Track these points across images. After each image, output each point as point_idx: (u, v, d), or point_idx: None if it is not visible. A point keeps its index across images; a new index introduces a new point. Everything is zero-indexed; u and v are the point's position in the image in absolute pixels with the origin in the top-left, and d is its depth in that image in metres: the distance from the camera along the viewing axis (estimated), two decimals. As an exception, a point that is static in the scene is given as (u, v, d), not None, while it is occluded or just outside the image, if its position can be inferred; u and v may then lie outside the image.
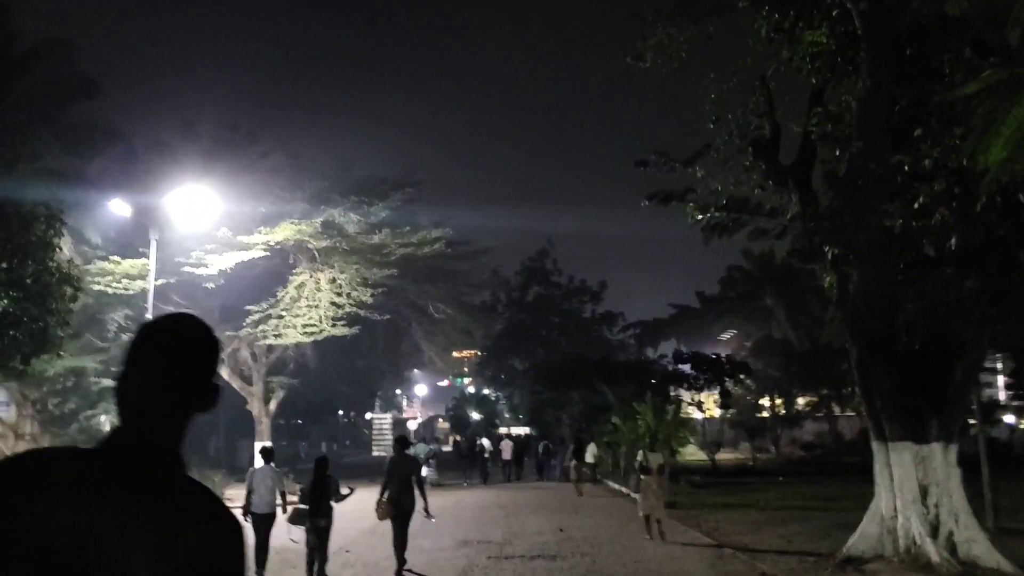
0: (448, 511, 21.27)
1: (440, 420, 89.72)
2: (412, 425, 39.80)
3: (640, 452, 17.15)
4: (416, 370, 64.44)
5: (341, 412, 64.91)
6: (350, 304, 26.79)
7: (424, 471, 33.01)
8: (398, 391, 74.93)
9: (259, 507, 11.67)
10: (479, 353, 61.77)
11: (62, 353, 19.51)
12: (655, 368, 35.75)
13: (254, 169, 28.36)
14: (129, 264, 26.54)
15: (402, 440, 14.00)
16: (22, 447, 36.58)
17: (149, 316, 25.73)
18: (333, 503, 11.34)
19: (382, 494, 12.16)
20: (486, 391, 78.33)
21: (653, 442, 18.54)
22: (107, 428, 26.03)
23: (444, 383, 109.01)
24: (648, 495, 15.85)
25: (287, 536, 11.79)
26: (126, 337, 27.60)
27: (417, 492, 12.43)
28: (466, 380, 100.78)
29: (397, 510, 12.17)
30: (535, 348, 56.75)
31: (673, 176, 17.46)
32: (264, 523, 11.69)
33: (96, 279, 26.87)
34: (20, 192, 16.94)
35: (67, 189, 24.45)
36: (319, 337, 27.28)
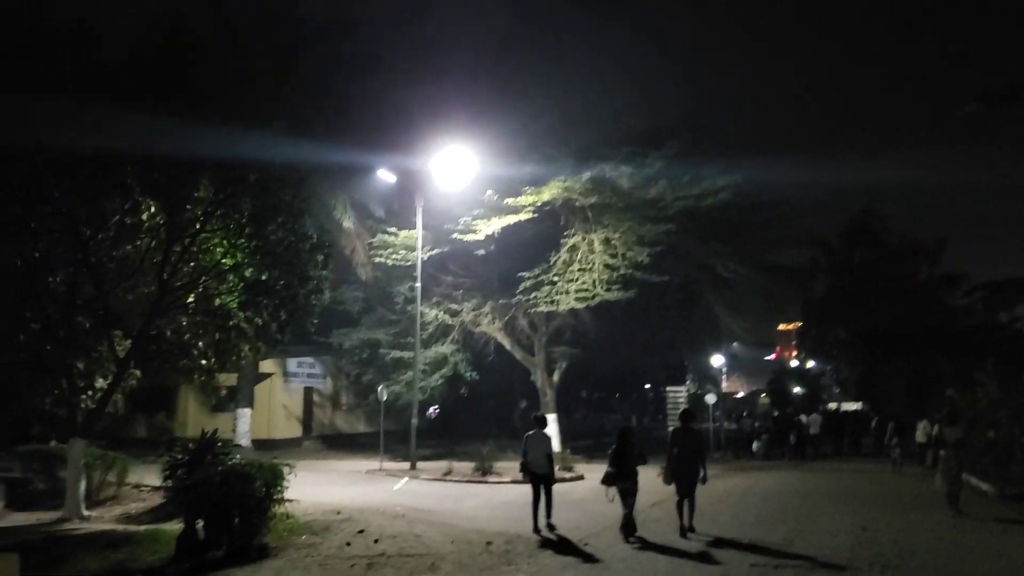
0: (733, 497, 18.42)
1: (763, 396, 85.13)
2: (710, 399, 36.54)
3: (935, 426, 17.26)
4: (736, 343, 60.75)
5: (648, 386, 62.94)
6: (625, 266, 24.57)
7: (754, 445, 30.87)
8: (715, 364, 71.65)
9: (535, 467, 13.36)
10: (800, 325, 56.88)
11: (308, 322, 18.89)
12: (1006, 332, 29.71)
13: (527, 131, 27.01)
14: (405, 235, 26.45)
15: (687, 414, 13.98)
16: (340, 417, 38.75)
17: (418, 285, 25.44)
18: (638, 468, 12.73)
19: (668, 464, 13.05)
20: (810, 364, 72.57)
21: (952, 416, 17.05)
22: (384, 398, 26.25)
23: (770, 357, 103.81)
24: (947, 470, 15.56)
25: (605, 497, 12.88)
26: (411, 309, 27.57)
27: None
28: (792, 353, 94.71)
29: (679, 479, 12.94)
30: (862, 316, 50.74)
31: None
32: (540, 480, 13.30)
33: (378, 252, 27.10)
34: (264, 155, 16.57)
35: (341, 159, 24.79)
36: (592, 302, 25.36)
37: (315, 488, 18.91)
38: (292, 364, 34.71)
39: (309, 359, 35.60)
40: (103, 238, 16.45)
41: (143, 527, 13.90)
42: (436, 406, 44.08)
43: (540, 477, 13.28)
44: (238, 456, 11.89)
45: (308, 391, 36.45)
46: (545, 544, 12.18)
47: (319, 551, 11.23)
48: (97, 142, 14.86)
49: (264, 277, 16.73)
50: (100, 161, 15.18)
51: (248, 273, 16.61)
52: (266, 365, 33.64)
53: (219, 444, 11.93)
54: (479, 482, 21.00)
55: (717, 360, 61.48)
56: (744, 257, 28.47)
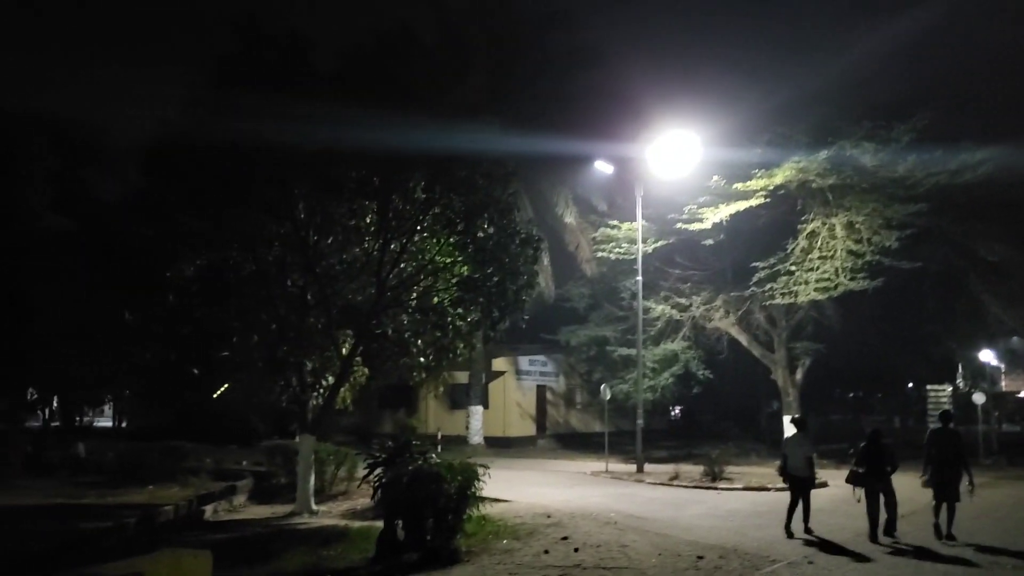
0: (1002, 510, 16.06)
1: (1052, 394, 75.60)
2: (978, 399, 32.26)
3: None
4: (1015, 337, 54.26)
5: (911, 385, 57.38)
6: (871, 252, 22.22)
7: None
8: (988, 360, 64.31)
9: (795, 470, 13.05)
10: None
11: (520, 319, 18.52)
12: None
13: (756, 111, 25.26)
14: (628, 228, 25.60)
15: (946, 414, 13.46)
16: (574, 416, 38.48)
17: (639, 279, 24.42)
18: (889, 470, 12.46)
19: (925, 468, 12.59)
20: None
21: None
22: (607, 397, 25.47)
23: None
24: None
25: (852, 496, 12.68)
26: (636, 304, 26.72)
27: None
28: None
29: (938, 483, 12.45)
30: None
31: None
32: (800, 484, 13.00)
33: (601, 246, 26.50)
34: (473, 152, 16.38)
35: (561, 154, 24.42)
36: (835, 293, 23.15)
37: (534, 489, 18.61)
38: (524, 362, 34.89)
39: (541, 357, 35.65)
40: (332, 241, 17.04)
41: (361, 523, 14.09)
42: (679, 406, 42.84)
43: (800, 481, 13.03)
44: (433, 456, 11.62)
45: (541, 389, 36.48)
46: (772, 558, 11.00)
47: (513, 558, 10.69)
48: (316, 147, 15.35)
49: (476, 274, 16.56)
50: (320, 165, 15.63)
51: (463, 270, 16.51)
52: (498, 363, 34.03)
53: (416, 443, 11.74)
54: (707, 488, 19.74)
55: (988, 356, 55.06)
56: (1014, 238, 24.88)
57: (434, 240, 16.53)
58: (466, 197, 16.29)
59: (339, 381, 16.97)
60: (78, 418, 36.15)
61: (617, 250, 26.13)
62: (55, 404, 34.26)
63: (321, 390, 17.43)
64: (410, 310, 17.28)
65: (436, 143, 15.78)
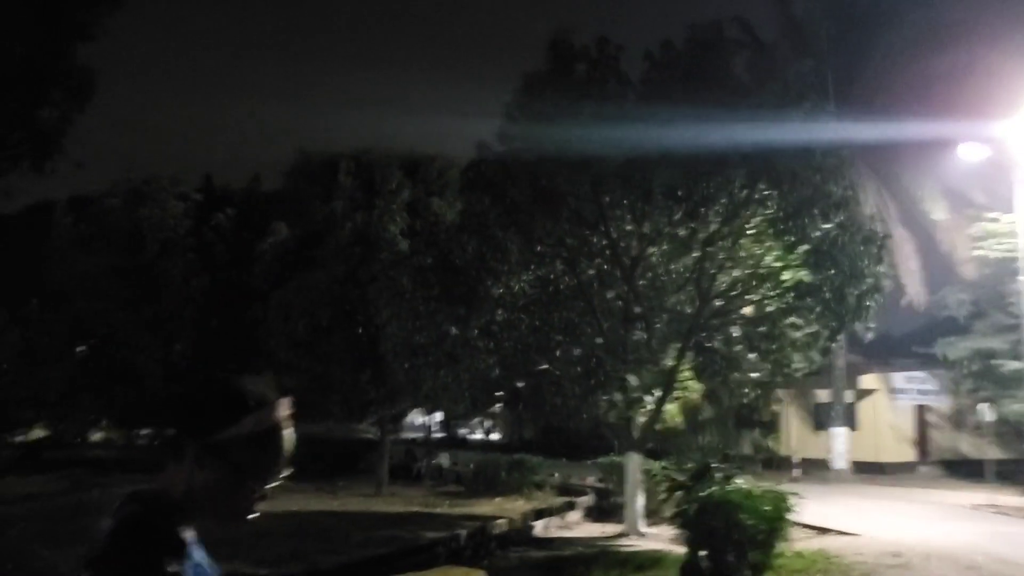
0: None
1: None
2: None
3: None
4: None
5: None
6: None
7: None
8: None
9: None
10: None
11: (864, 328, 16.25)
12: None
13: None
14: (1010, 220, 21.83)
15: None
16: (964, 440, 33.62)
17: (1022, 278, 20.53)
18: None
19: None
20: None
21: None
22: (990, 417, 21.68)
23: None
24: None
25: None
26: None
27: None
28: None
29: None
30: None
31: None
32: None
33: (978, 243, 22.96)
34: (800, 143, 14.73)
35: (925, 142, 21.61)
36: None
37: (894, 522, 16.34)
38: (898, 379, 31.26)
39: (920, 373, 31.68)
40: (653, 251, 16.44)
41: (684, 550, 13.20)
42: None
43: None
44: (739, 481, 10.37)
45: (921, 409, 32.40)
46: None
47: (829, 604, 9.18)
48: (627, 154, 14.87)
49: (812, 279, 14.85)
50: (632, 173, 15.11)
51: (797, 275, 14.95)
52: (867, 380, 30.91)
53: (720, 466, 10.61)
54: (1123, 531, 15.93)
55: None
56: None
57: (761, 243, 15.16)
58: (792, 193, 14.73)
59: (664, 397, 16.18)
60: (453, 431, 39.10)
61: (1000, 247, 22.40)
62: (438, 418, 37.42)
63: (648, 406, 16.75)
64: (738, 321, 16.11)
65: (760, 137, 14.52)
